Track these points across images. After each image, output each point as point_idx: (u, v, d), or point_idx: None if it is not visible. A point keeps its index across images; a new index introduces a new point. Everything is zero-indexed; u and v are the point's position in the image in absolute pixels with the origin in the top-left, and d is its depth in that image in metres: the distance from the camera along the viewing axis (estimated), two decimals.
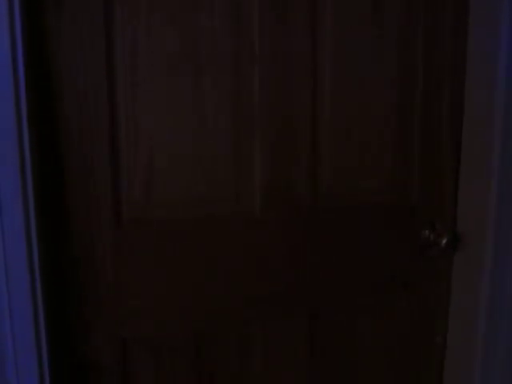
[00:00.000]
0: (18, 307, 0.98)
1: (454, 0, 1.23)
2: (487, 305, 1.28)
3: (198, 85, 1.10)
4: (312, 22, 1.16)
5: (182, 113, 1.11)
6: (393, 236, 1.30)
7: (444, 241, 1.27)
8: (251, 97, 1.14)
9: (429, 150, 1.30)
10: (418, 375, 1.41)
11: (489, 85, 1.23)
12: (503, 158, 1.23)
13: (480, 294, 1.29)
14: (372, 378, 1.37)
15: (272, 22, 1.13)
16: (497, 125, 1.23)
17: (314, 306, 1.27)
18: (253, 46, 1.12)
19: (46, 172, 1.04)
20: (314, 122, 1.19)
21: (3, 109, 0.93)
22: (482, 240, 1.27)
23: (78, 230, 1.08)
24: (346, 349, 1.32)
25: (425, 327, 1.38)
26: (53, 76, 1.02)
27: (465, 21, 1.24)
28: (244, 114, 1.14)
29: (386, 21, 1.21)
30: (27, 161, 0.96)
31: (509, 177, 1.23)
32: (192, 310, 1.18)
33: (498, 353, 1.29)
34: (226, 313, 1.20)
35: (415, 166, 1.30)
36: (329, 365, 1.31)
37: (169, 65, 1.08)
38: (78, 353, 1.12)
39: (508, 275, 1.26)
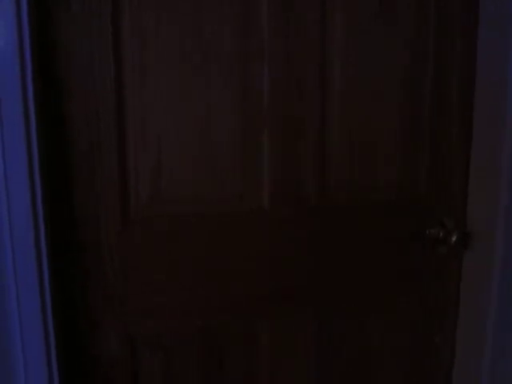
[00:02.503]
0: (26, 304, 0.99)
1: None
2: (497, 303, 1.27)
3: (207, 83, 1.10)
4: (321, 19, 1.15)
5: (190, 111, 1.11)
6: (402, 234, 1.30)
7: (454, 238, 1.26)
8: (260, 95, 1.14)
9: (439, 147, 1.29)
10: (427, 374, 1.41)
11: (499, 82, 1.21)
12: None
13: (490, 291, 1.28)
14: (379, 377, 1.37)
15: (281, 20, 1.12)
16: (508, 122, 1.21)
17: (321, 304, 1.28)
18: (262, 45, 1.12)
19: (54, 170, 1.04)
20: (322, 120, 1.19)
21: (10, 105, 0.94)
22: (492, 238, 1.26)
23: (85, 228, 1.08)
24: (354, 348, 1.33)
25: (434, 325, 1.38)
26: (61, 75, 1.02)
27: (475, 17, 1.22)
28: (253, 112, 1.14)
29: (396, 18, 1.19)
30: (35, 158, 0.97)
31: None
32: (199, 307, 1.19)
33: (508, 351, 1.28)
34: (234, 310, 1.21)
35: (425, 163, 1.29)
36: (335, 364, 1.32)
37: (177, 63, 1.08)
38: (87, 351, 1.13)
39: None
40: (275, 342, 1.25)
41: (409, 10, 1.20)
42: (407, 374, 1.39)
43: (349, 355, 1.32)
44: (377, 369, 1.36)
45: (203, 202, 1.15)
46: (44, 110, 1.00)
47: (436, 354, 1.39)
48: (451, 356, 1.38)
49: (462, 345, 1.37)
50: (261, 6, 1.10)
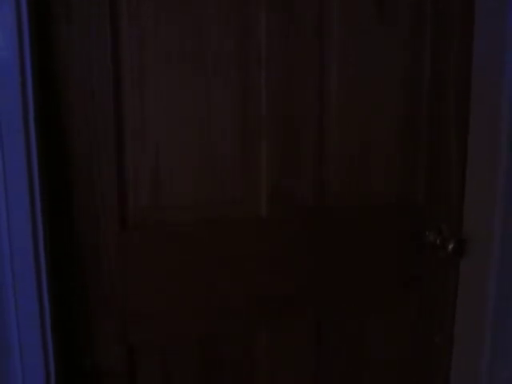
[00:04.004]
0: (24, 305, 0.98)
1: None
2: (495, 303, 1.29)
3: (205, 86, 1.10)
4: (319, 22, 1.15)
5: (188, 115, 1.10)
6: (399, 238, 1.30)
7: (450, 246, 1.27)
8: (258, 98, 1.14)
9: (435, 152, 1.30)
10: (424, 377, 1.41)
11: (496, 85, 1.23)
12: (510, 161, 1.23)
13: (488, 292, 1.29)
14: (379, 377, 1.37)
15: (279, 22, 1.12)
16: (504, 127, 1.23)
17: (320, 307, 1.27)
18: (259, 47, 1.12)
19: (53, 173, 1.03)
20: (320, 122, 1.19)
21: (10, 108, 0.93)
22: (488, 245, 1.28)
23: (83, 233, 1.07)
24: (353, 351, 1.33)
25: (434, 325, 1.38)
26: (59, 77, 1.01)
27: (471, 17, 1.23)
28: (251, 115, 1.14)
29: (393, 20, 1.21)
30: (34, 160, 0.96)
31: None
32: (198, 312, 1.17)
33: (505, 351, 1.29)
34: (233, 315, 1.20)
35: (422, 167, 1.30)
36: (336, 364, 1.32)
37: (175, 66, 1.07)
38: (84, 358, 1.11)
39: None
40: (275, 342, 1.25)
41: (407, 11, 1.21)
42: (407, 374, 1.40)
43: (349, 355, 1.32)
44: (377, 369, 1.36)
45: (202, 206, 1.14)
46: (43, 111, 0.99)
47: (435, 354, 1.40)
48: (450, 356, 1.39)
49: (460, 345, 1.38)
50: (258, 7, 1.10)
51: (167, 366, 1.18)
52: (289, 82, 1.15)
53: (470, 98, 1.27)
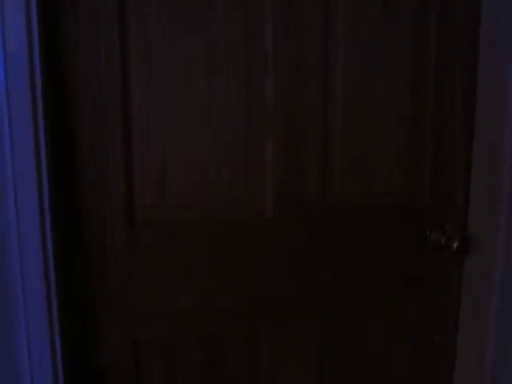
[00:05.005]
0: (33, 306, 1.00)
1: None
2: (499, 303, 1.29)
3: (212, 88, 1.11)
4: (324, 24, 1.15)
5: (195, 115, 1.11)
6: (403, 237, 1.30)
7: (455, 244, 1.27)
8: (264, 99, 1.14)
9: (440, 151, 1.29)
10: (426, 378, 1.42)
11: (501, 84, 1.21)
12: None
13: (492, 292, 1.29)
14: (380, 377, 1.38)
15: (284, 25, 1.12)
16: (509, 126, 1.21)
17: (320, 307, 1.28)
18: (265, 48, 1.12)
19: (60, 172, 1.04)
20: (325, 123, 1.19)
21: (20, 106, 0.94)
22: (493, 243, 1.27)
23: (90, 231, 1.09)
24: (356, 350, 1.33)
25: (435, 326, 1.38)
26: (67, 77, 1.02)
27: (476, 20, 1.23)
28: (257, 115, 1.14)
29: (398, 20, 1.20)
30: (43, 161, 0.97)
31: None
32: (203, 311, 1.19)
33: (509, 352, 1.29)
34: (238, 314, 1.21)
35: (426, 167, 1.29)
36: (336, 364, 1.33)
37: (182, 67, 1.08)
38: (89, 356, 1.13)
39: None
40: (276, 342, 1.26)
41: (410, 11, 1.20)
42: (408, 374, 1.40)
43: (349, 355, 1.33)
44: (377, 369, 1.37)
45: (207, 206, 1.15)
46: (51, 114, 1.00)
47: (437, 355, 1.40)
48: (453, 357, 1.39)
49: (463, 345, 1.38)
50: (265, 10, 1.11)
51: (173, 365, 1.19)
52: (294, 82, 1.15)
53: (476, 98, 1.26)
